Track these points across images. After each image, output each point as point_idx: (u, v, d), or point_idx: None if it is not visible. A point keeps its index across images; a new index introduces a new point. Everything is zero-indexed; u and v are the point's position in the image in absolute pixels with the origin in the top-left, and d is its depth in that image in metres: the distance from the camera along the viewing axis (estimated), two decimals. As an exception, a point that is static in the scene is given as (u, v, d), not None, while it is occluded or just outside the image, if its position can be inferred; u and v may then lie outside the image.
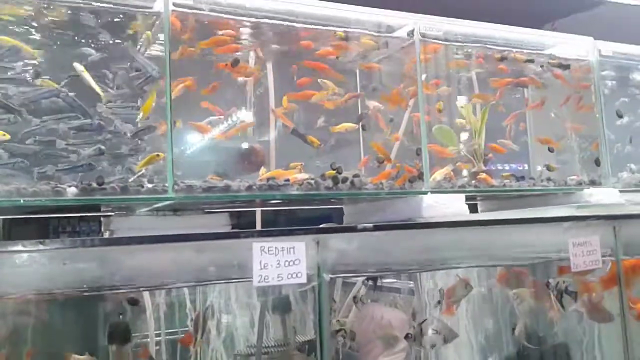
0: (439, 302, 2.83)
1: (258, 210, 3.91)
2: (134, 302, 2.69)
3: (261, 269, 2.03)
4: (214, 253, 2.07)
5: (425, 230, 2.38)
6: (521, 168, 3.41)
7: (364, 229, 2.21)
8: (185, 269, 2.01)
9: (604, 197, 3.04)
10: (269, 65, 2.84)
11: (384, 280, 3.42)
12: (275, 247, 2.07)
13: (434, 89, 3.09)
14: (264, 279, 2.04)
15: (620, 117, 3.47)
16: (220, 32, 2.52)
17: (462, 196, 2.72)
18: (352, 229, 2.21)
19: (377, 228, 2.24)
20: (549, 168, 3.20)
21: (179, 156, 2.25)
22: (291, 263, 2.09)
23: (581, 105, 3.37)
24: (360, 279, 3.12)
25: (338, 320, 2.93)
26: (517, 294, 2.90)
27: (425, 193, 2.66)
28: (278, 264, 2.06)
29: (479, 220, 2.46)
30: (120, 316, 2.52)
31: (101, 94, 2.21)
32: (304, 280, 2.09)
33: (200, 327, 3.01)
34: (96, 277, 1.90)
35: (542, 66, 3.35)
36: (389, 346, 3.08)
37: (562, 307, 2.71)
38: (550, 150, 3.31)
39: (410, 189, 2.68)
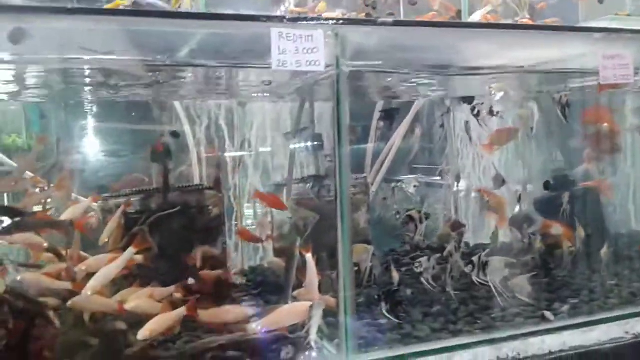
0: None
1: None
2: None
3: (280, 53, 2.11)
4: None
5: (450, 30, 2.35)
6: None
7: (383, 23, 2.23)
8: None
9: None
10: None
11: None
12: (294, 34, 2.13)
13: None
14: (282, 63, 2.12)
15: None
16: None
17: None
18: (372, 22, 2.23)
19: (396, 23, 2.25)
20: None
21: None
22: (309, 51, 2.15)
23: None
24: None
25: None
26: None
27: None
28: (296, 50, 2.13)
29: (502, 24, 2.42)
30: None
31: None
32: (322, 68, 2.16)
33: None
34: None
35: None
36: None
37: (565, 118, 2.69)
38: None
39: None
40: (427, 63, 2.62)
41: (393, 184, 3.29)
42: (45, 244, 2.33)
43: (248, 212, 3.62)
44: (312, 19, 2.18)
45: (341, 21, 2.21)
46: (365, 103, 3.62)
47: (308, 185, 2.65)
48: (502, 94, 3.13)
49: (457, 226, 3.48)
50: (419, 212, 2.78)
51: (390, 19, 2.26)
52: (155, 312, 2.20)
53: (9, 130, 3.53)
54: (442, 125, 3.42)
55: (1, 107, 3.50)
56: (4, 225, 2.26)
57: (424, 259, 2.85)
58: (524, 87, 3.29)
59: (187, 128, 3.48)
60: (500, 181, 3.24)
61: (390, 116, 3.55)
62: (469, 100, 3.43)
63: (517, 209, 3.15)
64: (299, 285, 2.58)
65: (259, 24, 2.09)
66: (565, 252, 2.98)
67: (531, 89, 3.30)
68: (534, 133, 3.07)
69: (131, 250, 2.23)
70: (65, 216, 2.33)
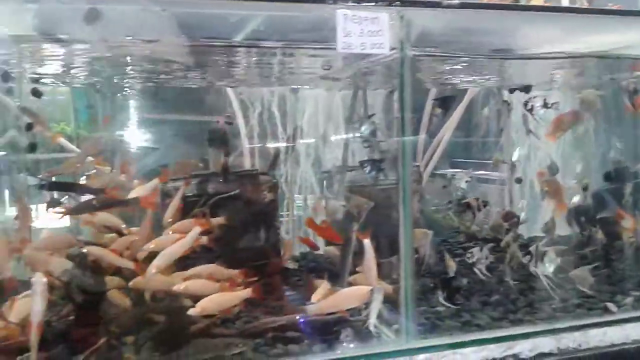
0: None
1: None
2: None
3: (345, 36, 2.10)
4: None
5: (515, 14, 2.31)
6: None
7: (449, 6, 2.19)
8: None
9: None
10: None
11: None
12: (359, 16, 2.12)
13: None
14: (348, 46, 2.11)
15: None
16: None
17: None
18: (437, 4, 2.20)
19: (463, 5, 2.21)
20: None
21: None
22: (374, 33, 2.13)
23: None
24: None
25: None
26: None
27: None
28: (361, 32, 2.12)
29: (571, 7, 2.36)
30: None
31: None
32: (386, 51, 2.14)
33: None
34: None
35: None
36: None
37: (633, 106, 2.61)
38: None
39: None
40: (490, 47, 2.58)
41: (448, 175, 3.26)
42: (123, 225, 2.39)
43: (298, 203, 3.64)
44: (378, 1, 2.17)
45: (407, 3, 2.19)
46: (420, 90, 3.58)
47: (365, 167, 2.63)
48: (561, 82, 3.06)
49: (510, 217, 3.43)
50: (477, 199, 2.74)
51: (455, 2, 2.22)
52: (210, 292, 2.19)
53: (57, 119, 3.62)
54: (500, 112, 3.35)
55: (50, 96, 3.58)
56: (79, 203, 2.33)
57: (475, 249, 2.83)
58: (586, 73, 3.21)
59: (239, 114, 3.52)
60: (554, 170, 3.18)
61: (445, 104, 3.49)
62: (526, 89, 3.36)
63: (577, 199, 3.08)
64: (353, 272, 2.59)
65: (325, 5, 2.09)
66: (626, 244, 2.90)
67: (594, 76, 3.21)
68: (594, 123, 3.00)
69: (197, 230, 2.26)
70: (132, 195, 2.37)
